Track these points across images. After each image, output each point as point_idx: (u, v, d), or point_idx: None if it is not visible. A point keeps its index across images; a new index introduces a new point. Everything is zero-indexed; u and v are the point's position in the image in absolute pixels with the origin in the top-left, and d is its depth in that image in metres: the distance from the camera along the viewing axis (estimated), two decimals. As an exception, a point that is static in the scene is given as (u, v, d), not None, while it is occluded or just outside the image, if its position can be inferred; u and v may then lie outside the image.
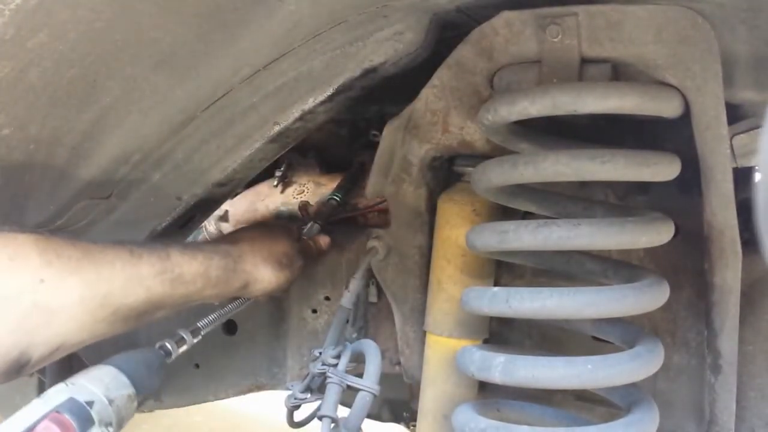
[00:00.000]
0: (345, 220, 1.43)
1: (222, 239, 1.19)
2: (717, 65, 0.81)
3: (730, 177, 0.89)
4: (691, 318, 1.11)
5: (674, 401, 1.12)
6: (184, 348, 1.04)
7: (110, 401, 0.83)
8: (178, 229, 1.21)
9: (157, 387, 0.94)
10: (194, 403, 1.52)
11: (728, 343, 1.01)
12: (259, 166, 1.11)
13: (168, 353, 1.00)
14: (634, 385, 0.95)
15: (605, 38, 0.84)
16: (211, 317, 1.12)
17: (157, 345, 1.00)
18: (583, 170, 0.87)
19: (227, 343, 1.46)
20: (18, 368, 0.77)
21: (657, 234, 0.92)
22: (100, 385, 0.83)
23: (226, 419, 3.52)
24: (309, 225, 1.30)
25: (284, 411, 1.15)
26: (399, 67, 0.96)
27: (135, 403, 0.88)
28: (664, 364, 0.95)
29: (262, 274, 1.08)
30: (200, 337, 1.08)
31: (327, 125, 1.37)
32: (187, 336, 1.05)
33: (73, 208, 0.97)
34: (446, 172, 1.19)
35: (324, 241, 1.30)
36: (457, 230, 1.12)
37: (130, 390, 0.87)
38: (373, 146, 1.13)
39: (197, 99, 0.91)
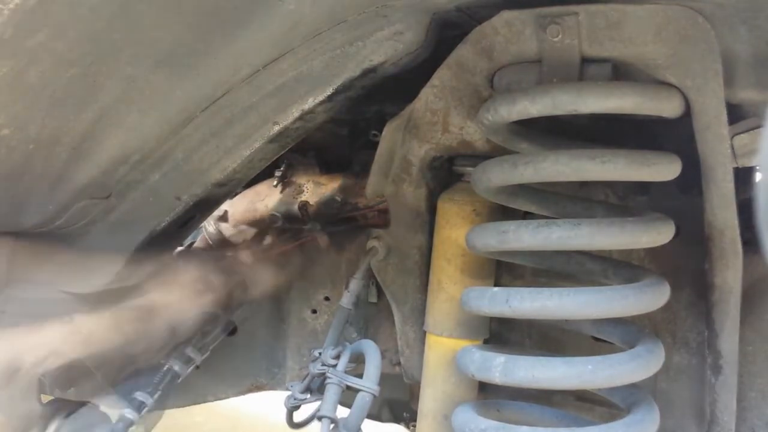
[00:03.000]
0: (345, 220, 1.43)
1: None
2: (717, 65, 0.81)
3: (730, 177, 0.89)
4: (692, 318, 1.11)
5: (675, 401, 1.12)
6: (192, 367, 1.07)
7: None
8: (178, 229, 1.21)
9: None
10: (194, 403, 1.52)
11: (729, 343, 1.01)
12: (259, 166, 1.11)
13: (176, 375, 1.04)
14: (634, 385, 0.95)
15: (605, 38, 0.84)
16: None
17: (165, 367, 1.03)
18: (583, 170, 0.87)
19: (227, 343, 1.46)
20: (9, 375, 0.77)
21: (657, 234, 0.92)
22: None
23: (226, 419, 3.51)
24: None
25: (284, 411, 1.15)
26: (399, 67, 0.96)
27: None
28: (665, 364, 0.96)
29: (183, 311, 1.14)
30: (209, 353, 1.11)
31: (327, 125, 1.37)
32: (195, 355, 1.10)
33: (72, 208, 0.97)
34: (446, 172, 1.19)
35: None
36: (457, 230, 1.12)
37: None
38: (373, 146, 1.13)
39: (197, 99, 0.91)
